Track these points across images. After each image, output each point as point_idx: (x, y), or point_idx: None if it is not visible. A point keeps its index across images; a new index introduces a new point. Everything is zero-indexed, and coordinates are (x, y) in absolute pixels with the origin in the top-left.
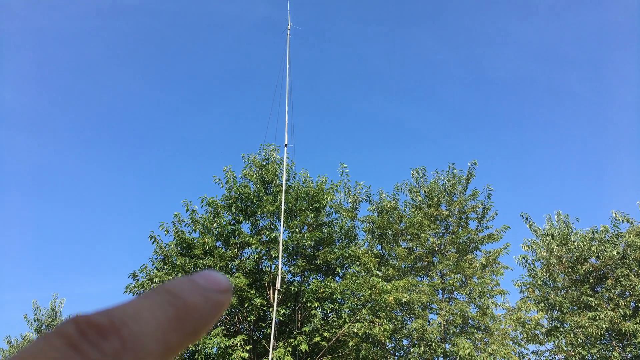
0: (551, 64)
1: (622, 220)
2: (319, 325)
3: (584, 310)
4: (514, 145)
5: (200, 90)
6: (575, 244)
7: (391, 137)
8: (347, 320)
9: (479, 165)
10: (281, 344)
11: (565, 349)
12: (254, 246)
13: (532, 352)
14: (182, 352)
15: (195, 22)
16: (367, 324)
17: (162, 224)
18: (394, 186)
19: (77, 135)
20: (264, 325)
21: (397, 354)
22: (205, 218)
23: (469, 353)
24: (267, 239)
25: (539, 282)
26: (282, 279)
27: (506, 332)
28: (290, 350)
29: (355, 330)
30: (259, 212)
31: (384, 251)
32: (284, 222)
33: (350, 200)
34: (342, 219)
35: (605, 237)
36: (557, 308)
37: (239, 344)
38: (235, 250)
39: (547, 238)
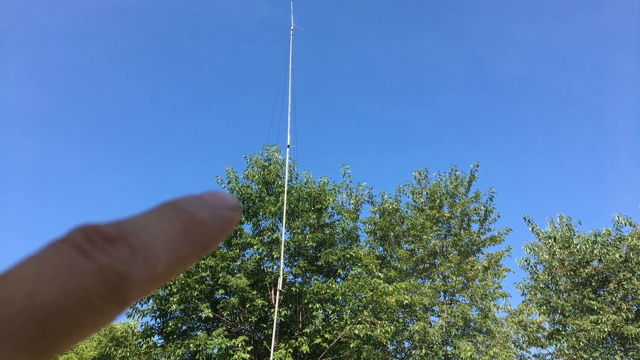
0: (553, 66)
1: (625, 224)
2: (320, 327)
3: (586, 314)
4: (517, 147)
5: (203, 90)
6: (578, 247)
7: (393, 139)
8: (349, 322)
9: (481, 167)
10: (282, 345)
11: (567, 352)
12: (255, 247)
13: (534, 356)
14: (182, 353)
15: (198, 23)
16: (368, 325)
17: None
18: (396, 188)
19: (77, 135)
20: (265, 326)
21: (398, 356)
22: None
23: (471, 356)
24: (268, 240)
25: (541, 285)
26: (284, 280)
27: (508, 335)
28: (292, 351)
29: (357, 332)
30: (260, 213)
31: (385, 253)
32: (285, 223)
33: (352, 202)
34: (344, 221)
35: (607, 240)
36: (559, 311)
37: (240, 345)
38: (237, 250)
39: (550, 241)
